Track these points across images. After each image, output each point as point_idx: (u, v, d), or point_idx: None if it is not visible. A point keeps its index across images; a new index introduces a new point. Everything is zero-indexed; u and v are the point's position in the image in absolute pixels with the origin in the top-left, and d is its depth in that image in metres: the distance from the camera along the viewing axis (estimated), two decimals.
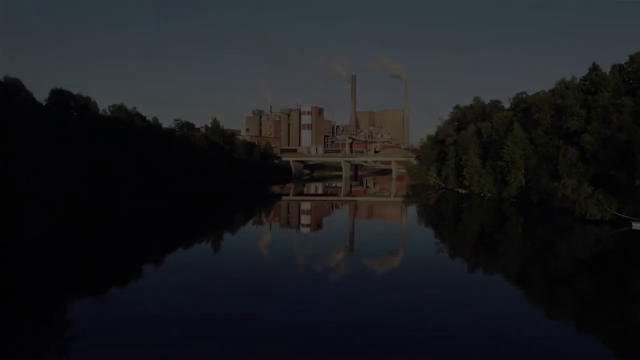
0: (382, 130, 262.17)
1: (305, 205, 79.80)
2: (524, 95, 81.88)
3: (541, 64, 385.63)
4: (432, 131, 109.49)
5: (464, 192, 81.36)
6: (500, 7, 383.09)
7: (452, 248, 40.74)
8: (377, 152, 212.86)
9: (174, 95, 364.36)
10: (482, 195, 74.55)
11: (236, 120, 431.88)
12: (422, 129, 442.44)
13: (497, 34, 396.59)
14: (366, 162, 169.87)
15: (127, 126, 57.25)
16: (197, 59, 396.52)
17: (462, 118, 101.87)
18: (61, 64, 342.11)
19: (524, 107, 71.51)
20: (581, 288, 27.46)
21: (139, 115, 72.25)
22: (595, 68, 58.92)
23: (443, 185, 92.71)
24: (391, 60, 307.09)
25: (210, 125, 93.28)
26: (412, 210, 75.45)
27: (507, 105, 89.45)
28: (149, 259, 33.35)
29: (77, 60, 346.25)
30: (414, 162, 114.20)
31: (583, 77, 60.78)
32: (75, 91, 59.25)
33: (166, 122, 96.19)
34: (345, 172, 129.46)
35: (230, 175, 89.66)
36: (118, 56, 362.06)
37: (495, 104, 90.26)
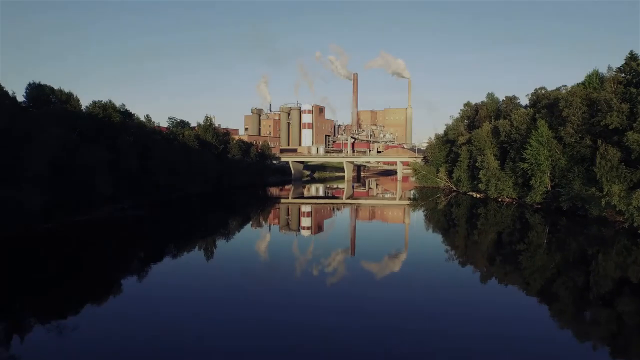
0: (384, 130, 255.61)
1: (305, 208, 72.89)
2: (542, 91, 75.07)
3: (544, 63, 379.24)
4: (433, 131, 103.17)
5: (478, 196, 74.39)
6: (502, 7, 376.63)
7: (466, 258, 37.00)
8: (380, 152, 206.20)
9: (171, 95, 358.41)
10: (499, 200, 67.58)
11: (236, 120, 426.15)
12: (422, 128, 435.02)
13: (497, 34, 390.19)
14: (369, 162, 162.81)
15: (103, 124, 50.20)
16: (195, 58, 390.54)
17: (473, 116, 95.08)
18: (60, 64, 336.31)
19: (547, 104, 64.47)
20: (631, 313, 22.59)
21: (122, 111, 65.59)
22: (633, 57, 51.83)
23: (454, 188, 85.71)
24: (392, 57, 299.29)
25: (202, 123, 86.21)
26: (420, 215, 68.83)
27: (523, 101, 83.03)
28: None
29: (77, 60, 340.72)
30: (421, 163, 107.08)
31: (619, 67, 53.70)
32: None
33: (165, 122, 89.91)
34: (348, 174, 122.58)
35: (223, 177, 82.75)
36: (116, 56, 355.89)
37: (511, 100, 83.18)
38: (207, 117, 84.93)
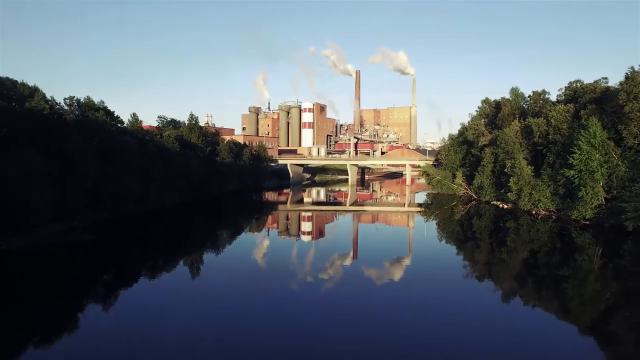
0: (388, 129, 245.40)
1: (304, 219, 62.36)
2: (577, 84, 64.48)
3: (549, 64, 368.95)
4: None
5: (505, 206, 63.76)
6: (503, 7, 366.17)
7: (493, 281, 32.34)
8: (384, 152, 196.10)
9: (168, 94, 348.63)
10: (533, 212, 56.95)
11: (234, 119, 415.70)
12: (424, 128, 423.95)
13: (500, 33, 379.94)
14: (374, 165, 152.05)
15: (46, 123, 39.58)
16: (191, 57, 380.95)
17: (493, 114, 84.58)
18: (57, 65, 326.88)
19: (593, 98, 53.95)
20: None
21: (100, 110, 56.00)
22: None
23: (474, 196, 75.00)
24: (394, 52, 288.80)
25: (188, 122, 75.61)
26: (435, 225, 59.75)
27: (552, 97, 72.43)
28: None
29: (76, 62, 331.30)
30: (432, 165, 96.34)
31: None
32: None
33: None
34: (352, 177, 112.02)
35: (211, 183, 72.39)
36: (110, 57, 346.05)
37: (540, 95, 72.39)
38: (192, 115, 74.60)
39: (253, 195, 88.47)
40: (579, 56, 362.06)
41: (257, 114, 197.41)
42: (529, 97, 75.54)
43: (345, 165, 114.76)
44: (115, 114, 76.78)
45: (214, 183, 72.84)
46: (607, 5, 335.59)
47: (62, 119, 42.88)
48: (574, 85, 64.42)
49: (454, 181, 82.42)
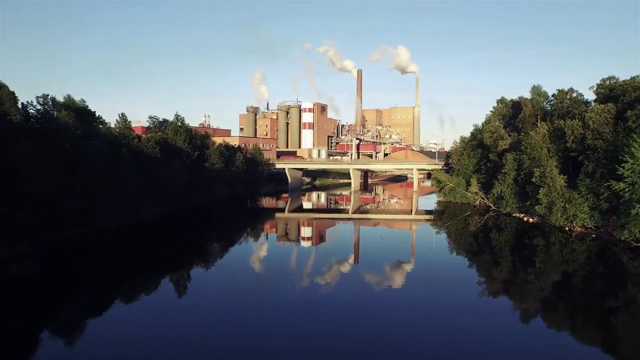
0: (390, 130, 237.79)
1: (303, 229, 54.73)
2: (612, 81, 56.91)
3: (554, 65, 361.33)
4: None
5: (531, 220, 56.05)
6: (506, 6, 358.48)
7: (520, 311, 27.74)
8: (387, 154, 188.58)
9: (166, 95, 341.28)
10: (566, 229, 49.29)
11: (233, 120, 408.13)
12: (426, 128, 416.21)
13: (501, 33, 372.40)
14: (379, 169, 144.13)
15: None
16: (187, 56, 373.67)
17: (510, 114, 77.09)
18: (56, 65, 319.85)
19: (637, 97, 46.26)
20: None
21: (80, 109, 49.05)
22: None
23: (492, 206, 67.15)
24: (394, 49, 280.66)
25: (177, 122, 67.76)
26: (448, 237, 53.86)
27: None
28: None
29: (74, 62, 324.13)
30: (442, 170, 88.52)
31: None
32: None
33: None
34: (355, 182, 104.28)
35: (198, 191, 64.76)
36: (105, 58, 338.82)
37: (567, 94, 64.63)
38: (178, 116, 66.87)
39: (247, 204, 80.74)
40: (578, 56, 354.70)
41: (255, 114, 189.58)
42: (552, 96, 67.89)
43: (349, 170, 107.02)
44: (97, 114, 69.71)
45: (201, 191, 65.21)
46: (608, 5, 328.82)
47: (5, 121, 35.17)
48: (609, 82, 56.84)
49: (468, 189, 74.69)
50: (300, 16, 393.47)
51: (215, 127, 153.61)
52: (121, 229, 46.60)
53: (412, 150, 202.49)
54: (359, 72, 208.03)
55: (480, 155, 76.82)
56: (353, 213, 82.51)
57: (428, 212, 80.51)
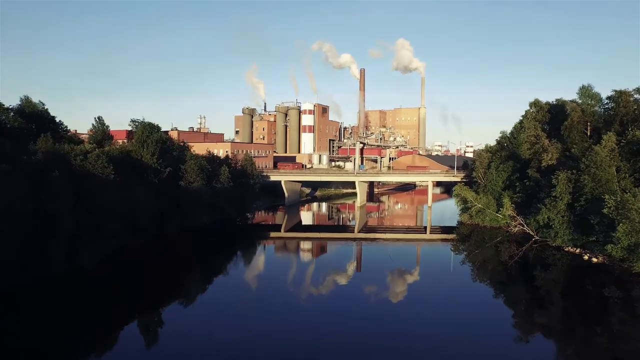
0: (395, 132, 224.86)
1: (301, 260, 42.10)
2: None
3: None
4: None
5: (594, 260, 43.23)
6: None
7: None
8: (392, 158, 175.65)
9: (162, 96, 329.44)
10: None
11: (229, 122, 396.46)
12: (429, 129, 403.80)
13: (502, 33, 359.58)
14: (388, 180, 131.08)
15: None
16: (186, 57, 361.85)
17: (547, 120, 64.76)
18: (54, 68, 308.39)
19: None
20: None
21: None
22: None
23: (535, 235, 54.04)
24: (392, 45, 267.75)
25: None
26: (475, 271, 46.10)
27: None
28: None
29: (73, 64, 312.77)
30: (464, 184, 75.46)
31: None
32: None
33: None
34: (361, 196, 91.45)
35: (170, 218, 52.08)
36: (99, 59, 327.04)
37: (629, 95, 51.71)
38: (144, 122, 53.90)
39: (232, 227, 67.64)
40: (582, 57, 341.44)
41: (252, 116, 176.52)
42: (608, 98, 55.02)
43: (353, 180, 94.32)
44: (58, 119, 57.68)
45: (174, 219, 52.46)
46: (608, 5, 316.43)
47: None
48: None
49: (499, 210, 61.74)
50: (298, 16, 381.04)
51: (205, 132, 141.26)
52: (46, 283, 33.79)
53: (419, 154, 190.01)
54: (362, 72, 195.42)
55: (512, 168, 64.02)
56: (359, 232, 71.67)
57: (444, 230, 71.79)
